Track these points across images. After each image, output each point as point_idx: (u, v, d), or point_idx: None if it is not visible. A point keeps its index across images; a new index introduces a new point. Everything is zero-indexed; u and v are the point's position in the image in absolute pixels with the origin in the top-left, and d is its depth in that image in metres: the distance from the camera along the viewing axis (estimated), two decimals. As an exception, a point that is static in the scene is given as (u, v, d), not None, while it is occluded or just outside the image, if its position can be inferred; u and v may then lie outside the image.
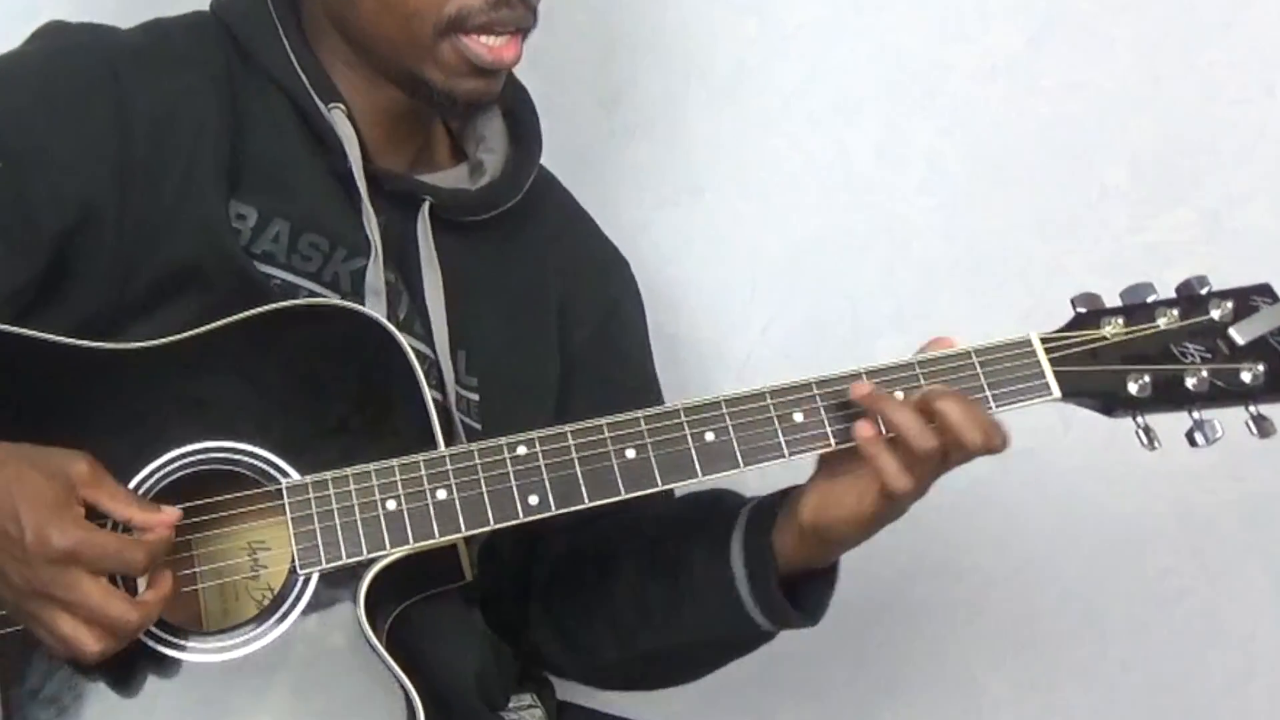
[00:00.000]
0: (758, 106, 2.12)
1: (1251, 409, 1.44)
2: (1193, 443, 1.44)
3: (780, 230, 2.13)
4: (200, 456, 1.42)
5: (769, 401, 1.44)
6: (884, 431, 1.41)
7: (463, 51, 1.53)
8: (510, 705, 1.65)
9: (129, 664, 1.37)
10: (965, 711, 2.23)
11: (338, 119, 1.55)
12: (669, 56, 2.10)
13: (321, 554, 1.40)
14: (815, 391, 1.44)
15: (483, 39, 1.53)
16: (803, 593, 1.54)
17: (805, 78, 2.11)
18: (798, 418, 1.44)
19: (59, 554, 1.29)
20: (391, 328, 1.46)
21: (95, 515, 1.33)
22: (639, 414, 1.44)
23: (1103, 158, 2.13)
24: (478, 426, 1.59)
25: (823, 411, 1.44)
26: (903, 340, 2.10)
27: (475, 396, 1.61)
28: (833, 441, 1.44)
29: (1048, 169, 2.13)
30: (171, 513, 1.36)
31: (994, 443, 1.40)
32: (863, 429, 1.41)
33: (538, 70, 1.74)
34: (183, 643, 1.38)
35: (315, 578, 1.40)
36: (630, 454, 1.43)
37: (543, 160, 1.72)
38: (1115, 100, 2.12)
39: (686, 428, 1.43)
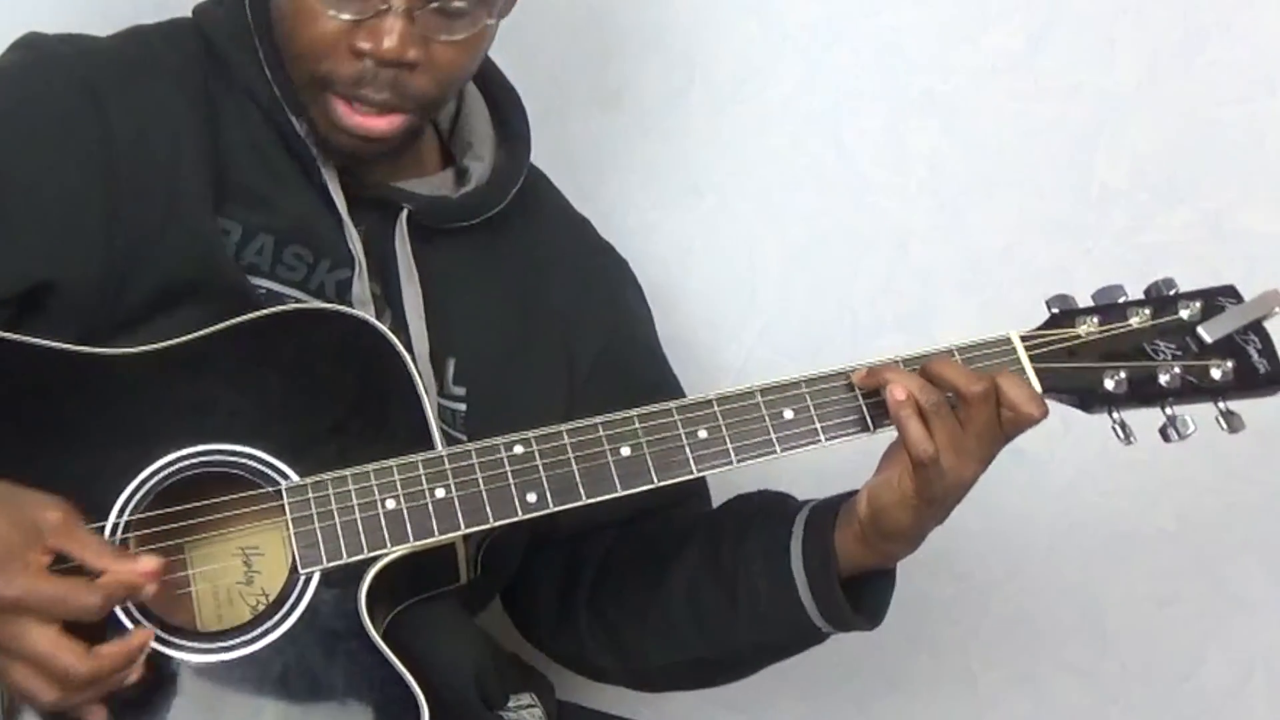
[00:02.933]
0: (758, 106, 2.12)
1: (1221, 405, 1.48)
2: (1166, 438, 1.48)
3: (780, 231, 2.14)
4: (198, 459, 1.43)
5: (759, 399, 1.46)
6: (895, 398, 1.43)
7: (330, 110, 1.52)
8: (510, 704, 1.65)
9: (132, 666, 1.38)
10: (964, 710, 2.24)
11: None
12: (669, 56, 2.10)
13: (323, 553, 1.41)
14: (804, 389, 1.47)
15: (354, 105, 1.51)
16: (861, 594, 1.55)
17: (805, 78, 2.11)
18: (788, 414, 1.46)
19: (5, 603, 1.26)
20: (385, 330, 1.48)
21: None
22: (633, 412, 1.46)
23: (1103, 158, 2.13)
24: (463, 437, 1.59)
25: (812, 408, 1.47)
26: (903, 340, 2.11)
27: (462, 407, 1.61)
28: (822, 438, 1.46)
29: (1048, 169, 2.13)
30: (149, 562, 1.32)
31: (982, 386, 1.43)
32: (895, 391, 1.43)
33: (538, 70, 1.75)
34: (185, 644, 1.39)
35: (316, 578, 1.41)
36: (625, 451, 1.44)
37: (542, 161, 1.72)
38: (1115, 100, 2.12)
39: (680, 425, 1.45)
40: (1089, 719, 2.24)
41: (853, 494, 1.52)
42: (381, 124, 1.51)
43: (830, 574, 1.52)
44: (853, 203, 2.14)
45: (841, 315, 2.15)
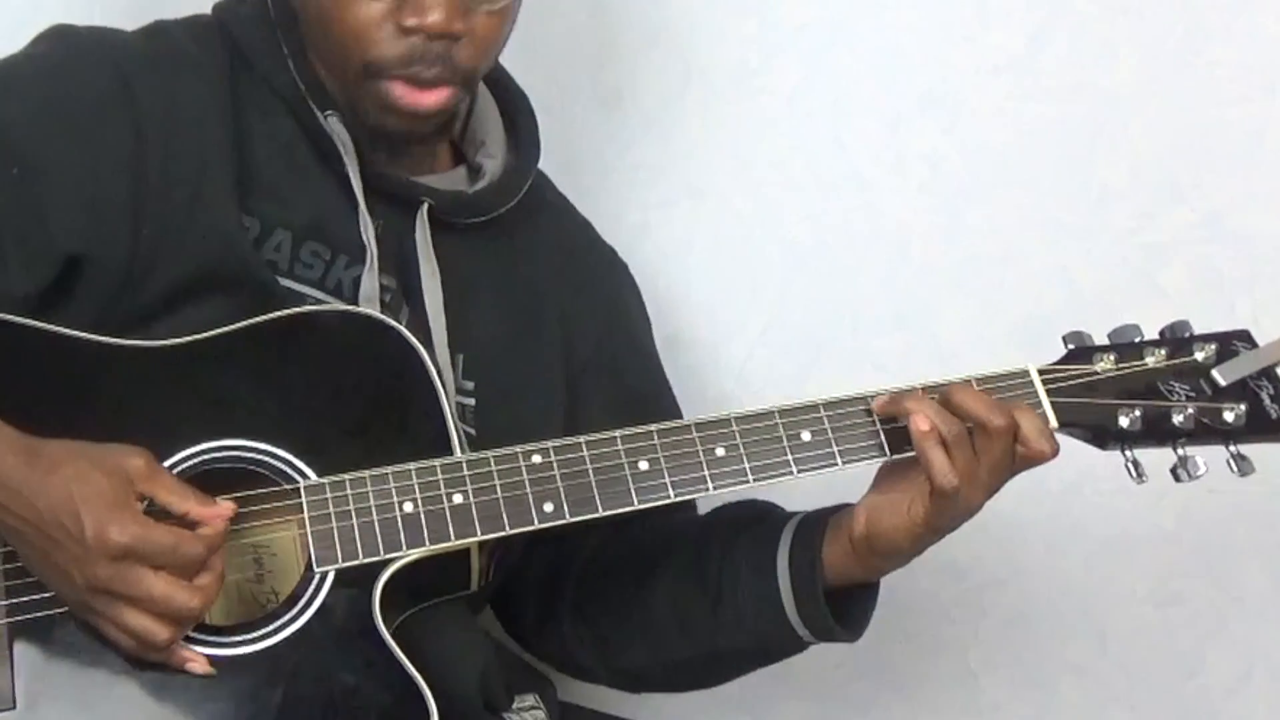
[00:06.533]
0: (758, 106, 2.14)
1: (1232, 448, 1.53)
2: (1177, 478, 1.53)
3: (780, 231, 2.16)
4: (218, 454, 1.47)
5: (778, 420, 1.51)
6: (919, 428, 1.47)
7: (382, 94, 1.58)
8: (513, 706, 1.69)
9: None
10: (964, 711, 2.26)
11: (335, 125, 1.60)
12: (669, 56, 2.12)
13: (339, 553, 1.44)
14: (823, 413, 1.51)
15: (409, 84, 1.57)
16: (844, 608, 1.59)
17: (805, 78, 2.14)
18: (805, 436, 1.50)
19: (119, 550, 1.34)
20: (406, 332, 1.51)
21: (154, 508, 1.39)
22: (652, 427, 1.50)
23: (1103, 158, 2.16)
24: (472, 431, 1.63)
25: (829, 432, 1.51)
26: (903, 341, 2.16)
27: (471, 401, 1.65)
28: (839, 461, 1.51)
29: (1048, 169, 2.16)
30: (227, 506, 1.41)
31: (1004, 419, 1.47)
32: (919, 421, 1.47)
33: (538, 70, 1.78)
34: (199, 637, 1.42)
35: (330, 578, 1.44)
36: (643, 465, 1.49)
37: (542, 161, 1.76)
38: (1115, 100, 2.14)
39: (698, 443, 1.50)
40: (1089, 719, 2.26)
41: (841, 508, 1.57)
42: (433, 98, 1.58)
43: (816, 588, 1.57)
44: (853, 203, 2.16)
45: (841, 315, 2.17)
